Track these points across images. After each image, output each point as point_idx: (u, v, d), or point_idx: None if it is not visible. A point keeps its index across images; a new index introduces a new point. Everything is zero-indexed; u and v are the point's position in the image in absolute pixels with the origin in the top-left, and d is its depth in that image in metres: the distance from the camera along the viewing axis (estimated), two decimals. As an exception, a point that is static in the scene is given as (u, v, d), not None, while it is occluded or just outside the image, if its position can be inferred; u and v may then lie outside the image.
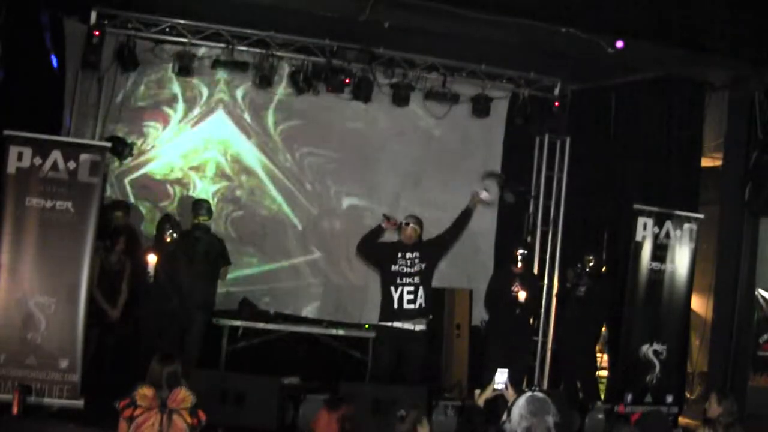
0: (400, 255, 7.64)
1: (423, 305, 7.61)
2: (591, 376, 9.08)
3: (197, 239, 8.29)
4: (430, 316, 7.73)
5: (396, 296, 7.56)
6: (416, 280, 7.62)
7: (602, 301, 8.98)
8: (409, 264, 7.63)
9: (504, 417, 4.08)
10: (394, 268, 7.62)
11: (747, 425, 5.79)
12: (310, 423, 5.43)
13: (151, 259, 7.60)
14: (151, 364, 4.94)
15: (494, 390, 5.01)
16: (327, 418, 4.35)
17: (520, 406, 4.03)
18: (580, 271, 8.92)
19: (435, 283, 8.01)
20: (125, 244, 8.01)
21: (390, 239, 7.93)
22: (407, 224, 7.70)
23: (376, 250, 7.86)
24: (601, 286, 8.99)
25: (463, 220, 7.91)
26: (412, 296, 7.58)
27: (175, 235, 8.04)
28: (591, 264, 8.92)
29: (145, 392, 4.72)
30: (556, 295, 9.70)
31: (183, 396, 4.76)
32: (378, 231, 7.80)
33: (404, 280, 7.60)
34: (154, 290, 7.79)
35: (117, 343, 8.02)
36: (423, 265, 7.66)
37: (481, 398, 5.00)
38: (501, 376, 5.05)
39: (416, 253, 7.67)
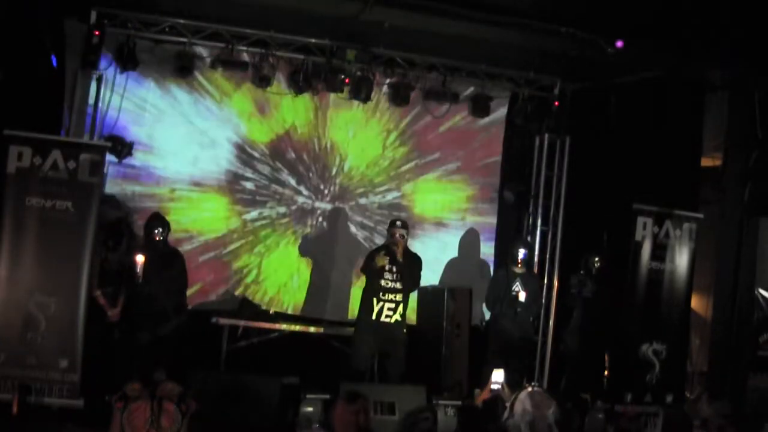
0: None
1: None
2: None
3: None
4: None
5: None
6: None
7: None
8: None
9: (506, 413, 4.10)
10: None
11: (746, 425, 5.79)
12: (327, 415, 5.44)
13: (139, 259, 7.51)
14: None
15: (491, 390, 5.03)
16: (343, 410, 4.39)
17: (522, 400, 4.06)
18: (583, 277, 8.89)
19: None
20: (127, 244, 7.99)
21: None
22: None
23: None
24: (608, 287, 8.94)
25: None
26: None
27: (165, 233, 7.95)
28: (597, 265, 8.90)
29: (134, 386, 4.80)
30: (563, 302, 9.57)
31: (171, 387, 4.84)
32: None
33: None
34: (143, 291, 7.65)
35: (117, 343, 8.00)
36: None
37: (479, 398, 5.03)
38: (497, 376, 5.08)
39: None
